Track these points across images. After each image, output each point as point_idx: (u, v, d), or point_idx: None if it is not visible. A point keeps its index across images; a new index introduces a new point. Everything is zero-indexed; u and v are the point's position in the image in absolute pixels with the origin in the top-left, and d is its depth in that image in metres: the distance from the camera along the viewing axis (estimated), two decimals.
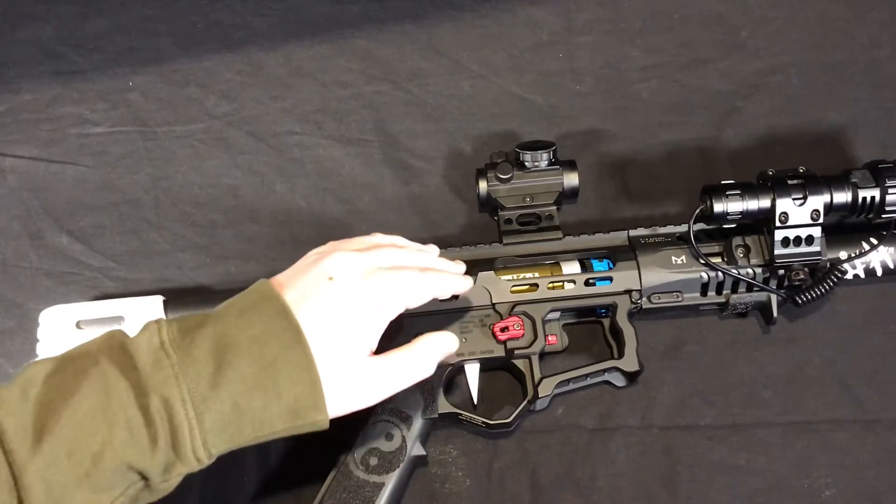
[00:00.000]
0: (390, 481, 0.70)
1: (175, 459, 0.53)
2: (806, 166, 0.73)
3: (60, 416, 0.51)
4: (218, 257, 0.84)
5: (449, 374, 0.74)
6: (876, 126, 0.85)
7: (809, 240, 0.72)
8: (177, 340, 0.55)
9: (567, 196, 0.76)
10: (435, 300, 0.66)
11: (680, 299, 0.74)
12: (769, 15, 0.90)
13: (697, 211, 0.73)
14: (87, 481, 0.51)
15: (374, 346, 0.61)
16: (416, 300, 0.64)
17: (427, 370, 0.64)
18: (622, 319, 0.73)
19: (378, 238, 0.66)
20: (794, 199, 0.71)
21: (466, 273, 0.70)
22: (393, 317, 0.62)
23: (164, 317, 0.75)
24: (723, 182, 0.72)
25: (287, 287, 0.59)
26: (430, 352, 0.64)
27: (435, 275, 0.65)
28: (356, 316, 0.59)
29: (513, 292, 0.74)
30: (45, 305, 0.77)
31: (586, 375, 0.74)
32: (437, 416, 0.72)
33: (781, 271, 0.73)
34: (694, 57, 0.88)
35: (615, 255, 0.75)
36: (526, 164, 0.75)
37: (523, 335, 0.73)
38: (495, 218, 0.77)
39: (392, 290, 0.62)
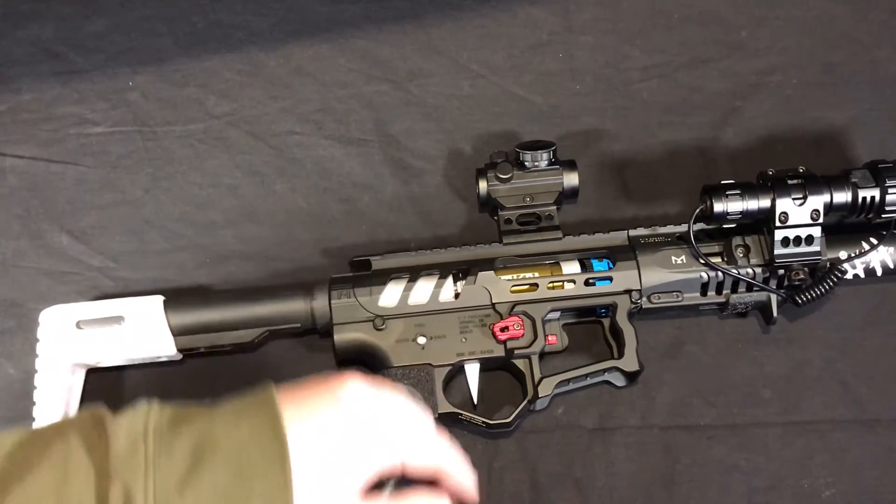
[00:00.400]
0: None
1: None
2: (806, 166, 0.73)
3: (10, 492, 0.47)
4: (218, 257, 0.84)
5: (449, 374, 0.74)
6: (876, 126, 0.85)
7: (809, 240, 0.72)
8: (161, 429, 0.51)
9: (567, 196, 0.76)
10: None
11: (680, 299, 0.75)
12: (769, 15, 0.90)
13: (697, 211, 0.73)
14: None
15: (360, 487, 0.55)
16: (420, 458, 0.58)
17: None
18: (622, 319, 0.74)
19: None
20: (794, 199, 0.71)
21: None
22: (388, 465, 0.56)
23: (164, 317, 0.75)
24: (723, 182, 0.72)
25: (290, 398, 0.54)
26: None
27: (448, 444, 0.60)
28: (351, 448, 0.54)
29: (513, 292, 0.74)
30: (45, 305, 0.77)
31: (586, 375, 0.74)
32: (436, 415, 0.72)
33: (781, 271, 0.73)
34: (694, 57, 0.88)
35: (615, 255, 0.75)
36: (526, 164, 0.75)
37: (523, 335, 0.73)
38: (495, 218, 0.77)
39: (399, 433, 0.57)
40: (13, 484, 0.48)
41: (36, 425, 0.73)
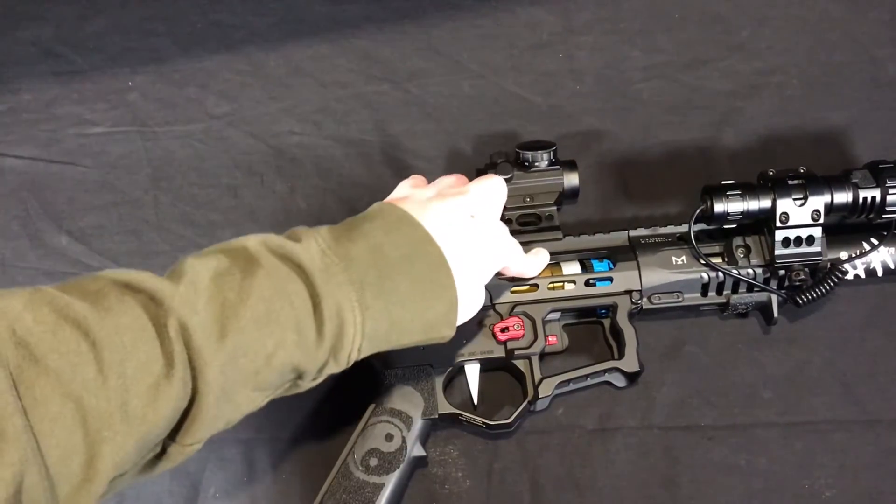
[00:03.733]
0: (390, 482, 0.70)
1: (331, 361, 0.56)
2: (806, 166, 0.73)
3: (240, 316, 0.51)
4: None
5: (449, 375, 0.74)
6: (876, 126, 0.85)
7: (810, 240, 0.72)
8: (333, 248, 0.56)
9: (567, 196, 0.75)
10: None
11: (680, 300, 0.74)
12: (769, 15, 0.89)
13: (698, 211, 0.73)
14: (254, 380, 0.52)
15: (489, 278, 0.66)
16: (519, 264, 0.71)
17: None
18: (622, 320, 0.73)
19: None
20: (794, 200, 0.71)
21: None
22: (503, 264, 0.68)
23: None
24: (723, 182, 0.72)
25: (424, 217, 0.61)
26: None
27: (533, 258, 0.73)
28: (488, 252, 0.65)
29: (513, 292, 0.74)
30: None
31: (586, 376, 0.74)
32: (437, 416, 0.72)
33: (782, 271, 0.73)
34: (694, 57, 0.88)
35: (615, 256, 0.75)
36: (526, 164, 0.74)
37: (523, 335, 0.73)
38: None
39: (512, 245, 0.69)
40: (240, 308, 0.52)
41: None
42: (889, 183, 0.71)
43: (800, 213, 0.71)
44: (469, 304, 0.63)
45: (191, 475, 0.76)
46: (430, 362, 0.73)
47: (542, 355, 0.74)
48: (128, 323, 0.48)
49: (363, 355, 0.58)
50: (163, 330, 0.49)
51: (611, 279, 0.74)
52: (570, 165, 0.75)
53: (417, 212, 0.62)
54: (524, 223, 0.76)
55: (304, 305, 0.54)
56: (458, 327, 0.70)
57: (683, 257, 0.74)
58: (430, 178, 0.85)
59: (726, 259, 0.75)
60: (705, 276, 0.74)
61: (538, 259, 0.73)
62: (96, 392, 0.46)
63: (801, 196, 0.71)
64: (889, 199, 0.71)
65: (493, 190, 0.69)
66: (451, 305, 0.60)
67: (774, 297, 0.75)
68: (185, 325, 0.50)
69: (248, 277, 0.53)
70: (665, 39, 0.89)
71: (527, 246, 0.75)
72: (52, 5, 0.92)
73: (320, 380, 0.58)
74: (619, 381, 0.76)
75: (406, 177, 0.85)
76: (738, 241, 0.74)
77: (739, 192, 0.71)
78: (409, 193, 0.67)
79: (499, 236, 0.67)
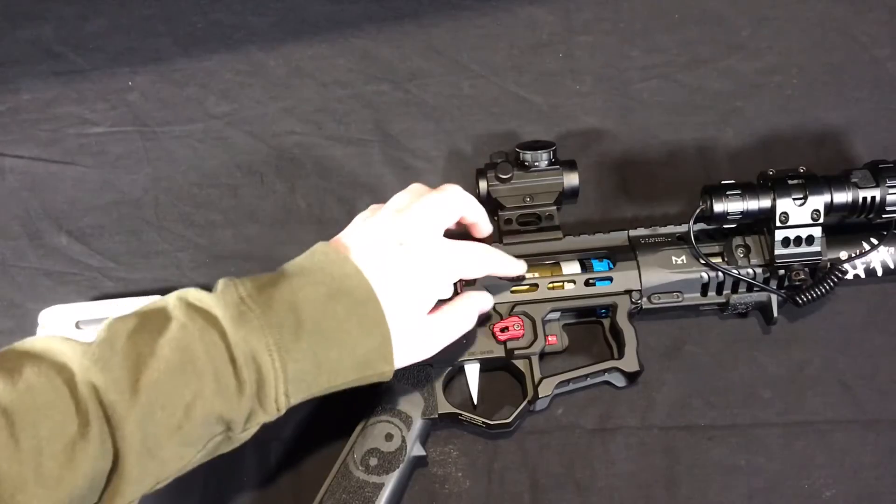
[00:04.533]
0: (390, 482, 0.70)
1: (258, 408, 0.56)
2: (806, 166, 0.73)
3: (153, 368, 0.53)
4: (217, 257, 0.84)
5: (449, 375, 0.74)
6: (876, 126, 0.85)
7: (810, 240, 0.72)
8: (254, 296, 0.57)
9: (567, 196, 0.75)
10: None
11: (680, 299, 0.74)
12: (769, 15, 0.89)
13: (698, 211, 0.73)
14: (178, 433, 0.53)
15: (432, 306, 0.65)
16: (475, 271, 0.67)
17: (470, 323, 0.68)
18: (622, 320, 0.73)
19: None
20: (794, 199, 0.71)
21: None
22: (451, 283, 0.66)
23: None
24: (723, 182, 0.72)
25: (355, 250, 0.62)
26: (471, 307, 0.68)
27: (495, 252, 0.69)
28: (423, 280, 0.63)
29: (513, 292, 0.74)
30: (44, 305, 0.77)
31: (586, 376, 0.74)
32: (436, 416, 0.72)
33: (782, 271, 0.73)
34: (694, 57, 0.88)
35: (615, 255, 0.75)
36: (526, 163, 0.74)
37: (523, 335, 0.73)
38: (495, 218, 0.77)
39: (455, 259, 0.65)
40: (151, 361, 0.53)
41: None
42: (889, 183, 0.71)
43: (800, 212, 0.71)
44: (412, 336, 0.63)
45: (190, 475, 0.76)
46: (429, 362, 0.73)
47: (542, 355, 0.74)
48: (40, 386, 0.50)
49: (295, 401, 0.58)
50: (75, 391, 0.50)
51: (611, 279, 0.74)
52: (570, 165, 0.75)
53: (349, 247, 0.62)
54: (524, 223, 0.76)
55: (220, 354, 0.54)
56: None
57: (683, 257, 0.74)
58: (430, 179, 0.86)
59: (726, 259, 0.75)
60: (705, 275, 0.74)
61: (517, 262, 0.71)
62: (8, 456, 0.47)
63: (801, 196, 0.71)
64: (889, 199, 0.71)
65: (433, 208, 0.65)
66: (384, 339, 0.60)
67: (774, 297, 0.75)
68: (94, 384, 0.51)
69: (162, 331, 0.55)
70: (665, 39, 0.89)
71: (526, 246, 0.76)
72: (52, 5, 0.92)
73: (253, 430, 0.58)
74: (619, 380, 0.76)
75: (406, 177, 0.86)
76: (737, 240, 0.74)
77: (739, 192, 0.71)
78: (352, 226, 0.66)
79: (433, 261, 0.63)
